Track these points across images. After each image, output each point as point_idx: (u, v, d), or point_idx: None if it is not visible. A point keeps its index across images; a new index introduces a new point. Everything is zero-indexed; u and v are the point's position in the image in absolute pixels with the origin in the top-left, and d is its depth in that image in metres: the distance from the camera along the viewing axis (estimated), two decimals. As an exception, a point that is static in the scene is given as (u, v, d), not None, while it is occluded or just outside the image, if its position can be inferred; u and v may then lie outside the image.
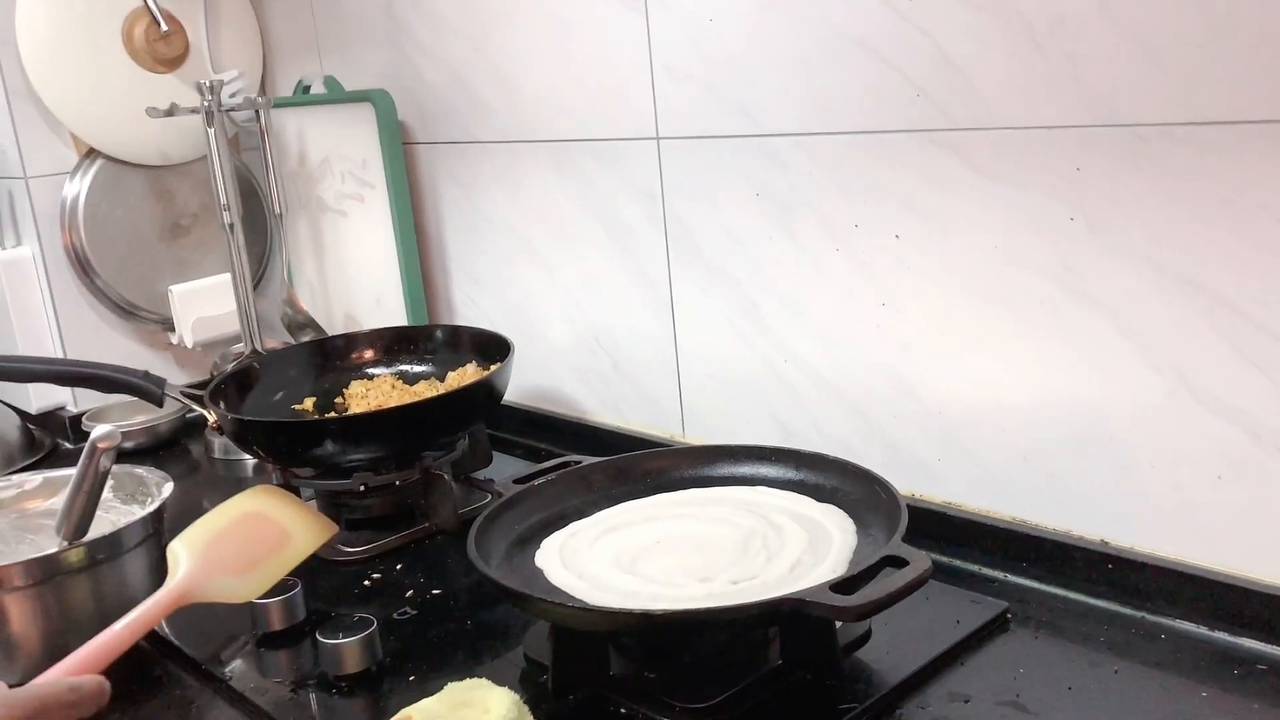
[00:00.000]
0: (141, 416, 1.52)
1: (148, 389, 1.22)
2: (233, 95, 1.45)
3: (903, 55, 0.93)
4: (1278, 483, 0.81)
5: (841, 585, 0.74)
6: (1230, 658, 0.80)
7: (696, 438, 1.23)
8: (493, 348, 1.27)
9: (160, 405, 1.27)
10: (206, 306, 1.59)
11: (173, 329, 1.61)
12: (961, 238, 0.94)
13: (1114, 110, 0.83)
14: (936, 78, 0.92)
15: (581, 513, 0.97)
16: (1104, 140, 0.84)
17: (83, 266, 1.55)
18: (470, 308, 1.47)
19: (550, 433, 1.35)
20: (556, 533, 0.93)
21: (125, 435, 1.42)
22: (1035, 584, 0.93)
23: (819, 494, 0.94)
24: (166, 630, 0.97)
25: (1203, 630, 0.84)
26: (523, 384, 1.38)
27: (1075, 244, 0.87)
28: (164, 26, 1.52)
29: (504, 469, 1.23)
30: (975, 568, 0.97)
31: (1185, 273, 0.82)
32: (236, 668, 0.92)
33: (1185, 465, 0.85)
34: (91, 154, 1.55)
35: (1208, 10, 0.77)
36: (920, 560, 0.75)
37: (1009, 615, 0.88)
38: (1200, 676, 0.79)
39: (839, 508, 0.91)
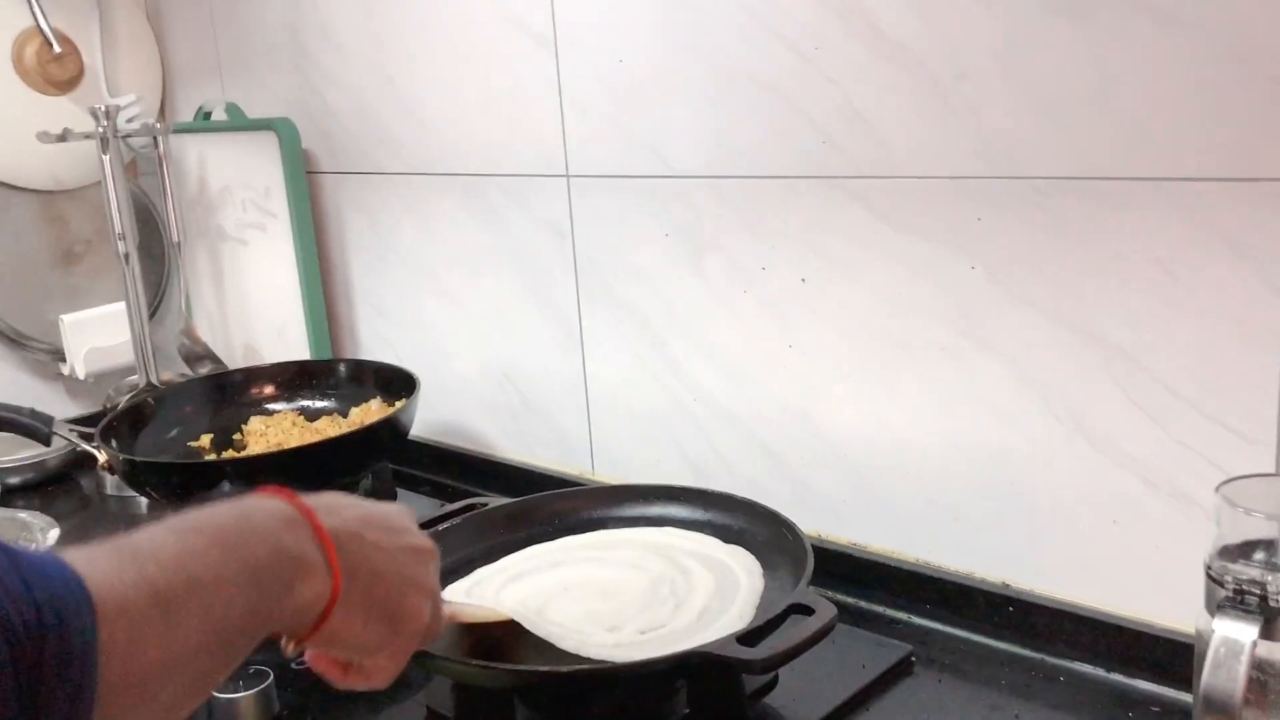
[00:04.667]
0: (29, 451, 1.45)
1: (34, 427, 1.18)
2: (129, 120, 1.40)
3: (810, 102, 0.94)
4: (1169, 528, 0.83)
5: (748, 637, 0.74)
6: (1127, 699, 0.82)
7: (606, 474, 1.22)
8: (398, 384, 1.25)
9: (48, 444, 1.22)
10: (100, 337, 1.53)
11: (64, 359, 1.55)
12: (865, 283, 0.95)
13: (1014, 163, 0.84)
14: (842, 125, 0.93)
15: (488, 558, 0.95)
16: (1004, 192, 0.85)
17: (-33, 294, 1.49)
18: (376, 341, 1.44)
19: (458, 469, 1.33)
20: (460, 580, 0.91)
21: (12, 470, 1.37)
22: (939, 625, 0.94)
23: (726, 535, 0.94)
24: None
25: (1099, 672, 0.85)
26: (429, 419, 1.35)
27: (976, 293, 0.89)
28: (56, 48, 1.46)
29: (409, 509, 1.20)
30: (881, 609, 0.97)
31: (1082, 324, 0.84)
32: (124, 724, 0.88)
33: (1083, 510, 0.87)
34: (-22, 177, 1.49)
35: (1100, 70, 0.79)
36: (825, 609, 0.76)
37: (913, 658, 0.89)
38: (1097, 718, 0.80)
39: (746, 549, 0.92)
